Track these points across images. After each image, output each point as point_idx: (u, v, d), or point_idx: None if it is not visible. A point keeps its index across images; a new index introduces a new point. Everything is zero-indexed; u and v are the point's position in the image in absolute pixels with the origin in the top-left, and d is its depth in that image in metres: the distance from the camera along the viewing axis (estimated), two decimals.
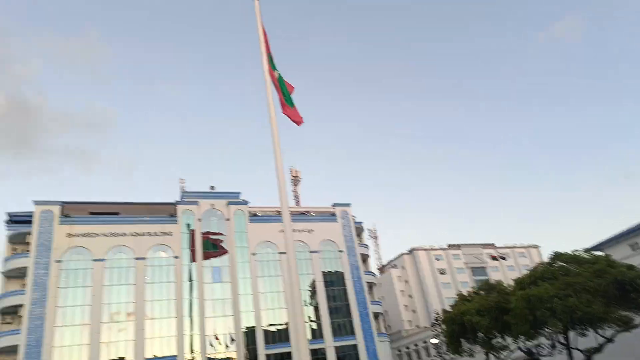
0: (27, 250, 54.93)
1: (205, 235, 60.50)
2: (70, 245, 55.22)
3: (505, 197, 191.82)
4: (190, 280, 57.60)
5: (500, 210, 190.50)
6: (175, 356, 53.14)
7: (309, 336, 58.36)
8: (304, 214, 67.10)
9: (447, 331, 35.77)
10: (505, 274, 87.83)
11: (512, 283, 33.13)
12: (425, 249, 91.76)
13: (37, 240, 54.34)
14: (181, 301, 55.90)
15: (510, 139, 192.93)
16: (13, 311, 52.99)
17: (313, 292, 62.45)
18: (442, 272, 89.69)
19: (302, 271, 61.67)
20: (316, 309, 61.22)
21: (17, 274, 54.51)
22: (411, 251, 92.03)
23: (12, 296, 53.21)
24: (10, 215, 57.81)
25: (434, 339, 50.07)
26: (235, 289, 58.38)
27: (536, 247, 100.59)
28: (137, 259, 56.88)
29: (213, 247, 60.31)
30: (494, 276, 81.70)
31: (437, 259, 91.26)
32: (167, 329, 54.44)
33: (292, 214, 69.09)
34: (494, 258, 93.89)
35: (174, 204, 61.60)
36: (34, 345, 49.44)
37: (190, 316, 55.73)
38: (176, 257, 58.58)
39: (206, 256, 59.45)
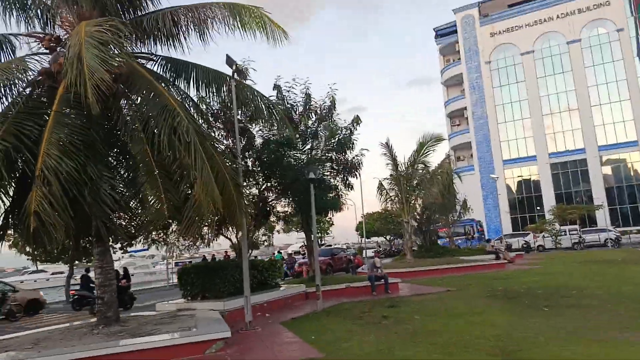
0: (458, 59, 58.33)
1: None
2: (495, 44, 54.40)
3: None
4: (635, 56, 46.23)
5: None
6: (636, 141, 46.15)
7: None
8: None
9: None
10: None
11: None
12: None
13: (464, 46, 56.34)
14: (636, 79, 46.28)
15: None
16: (459, 114, 59.36)
17: None
18: None
19: None
20: None
21: (454, 82, 59.56)
22: None
23: (454, 101, 59.26)
24: (436, 29, 61.92)
25: None
26: None
27: None
28: (570, 42, 49.97)
29: None
30: None
31: None
32: (619, 113, 47.24)
33: None
34: None
35: None
36: (482, 141, 54.34)
37: None
38: (619, 30, 47.66)
39: None
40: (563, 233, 36.46)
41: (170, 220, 9.40)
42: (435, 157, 49.64)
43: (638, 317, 8.24)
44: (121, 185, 9.36)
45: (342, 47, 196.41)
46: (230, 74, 10.80)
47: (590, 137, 48.31)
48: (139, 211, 9.46)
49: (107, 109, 8.80)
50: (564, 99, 50.43)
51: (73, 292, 18.46)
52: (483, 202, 51.40)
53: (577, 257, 25.64)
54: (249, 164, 14.46)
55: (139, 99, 8.68)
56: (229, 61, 10.54)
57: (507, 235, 41.68)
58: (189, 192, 8.66)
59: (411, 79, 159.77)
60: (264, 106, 11.82)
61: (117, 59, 8.34)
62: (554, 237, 36.10)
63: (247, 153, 14.41)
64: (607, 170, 48.23)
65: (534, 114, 51.65)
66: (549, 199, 48.69)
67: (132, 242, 12.40)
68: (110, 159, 9.36)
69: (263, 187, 15.07)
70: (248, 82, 12.76)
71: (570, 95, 50.01)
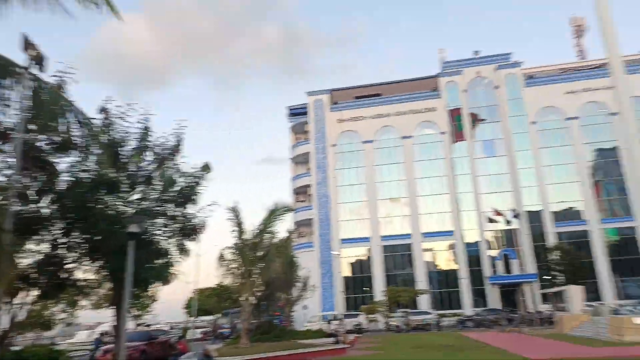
0: (307, 138, 60.28)
1: (473, 115, 54.17)
2: (341, 130, 57.78)
3: None
4: (452, 157, 53.71)
5: None
6: (451, 231, 51.74)
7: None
8: (598, 67, 52.65)
9: None
10: None
11: None
12: None
13: (314, 127, 58.63)
14: (453, 178, 53.02)
15: None
16: (304, 191, 60.14)
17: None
18: None
19: (597, 138, 50.41)
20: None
21: (302, 159, 60.91)
22: None
23: (301, 178, 60.13)
24: (290, 108, 63.91)
25: None
26: (512, 163, 51.72)
27: None
28: (404, 137, 55.77)
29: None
30: None
31: None
32: (440, 205, 53.00)
33: (584, 69, 55.47)
34: None
35: (435, 77, 56.84)
36: (324, 219, 55.28)
37: (457, 193, 52.68)
38: (442, 132, 55.04)
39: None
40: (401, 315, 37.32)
41: None
42: (279, 233, 48.02)
43: None
44: None
45: (199, 118, 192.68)
46: (27, 65, 7.28)
47: (415, 224, 52.77)
48: None
49: None
50: (396, 187, 54.96)
51: None
52: (321, 280, 50.92)
53: (412, 342, 25.43)
54: (44, 206, 10.29)
55: None
56: (26, 43, 7.09)
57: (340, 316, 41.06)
58: None
59: (264, 156, 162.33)
60: (78, 124, 8.34)
61: None
62: (386, 318, 36.46)
63: (43, 191, 10.28)
64: (428, 256, 52.67)
65: (370, 197, 54.91)
66: (378, 280, 50.55)
67: None
68: None
69: (60, 243, 10.84)
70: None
71: (401, 184, 54.78)
